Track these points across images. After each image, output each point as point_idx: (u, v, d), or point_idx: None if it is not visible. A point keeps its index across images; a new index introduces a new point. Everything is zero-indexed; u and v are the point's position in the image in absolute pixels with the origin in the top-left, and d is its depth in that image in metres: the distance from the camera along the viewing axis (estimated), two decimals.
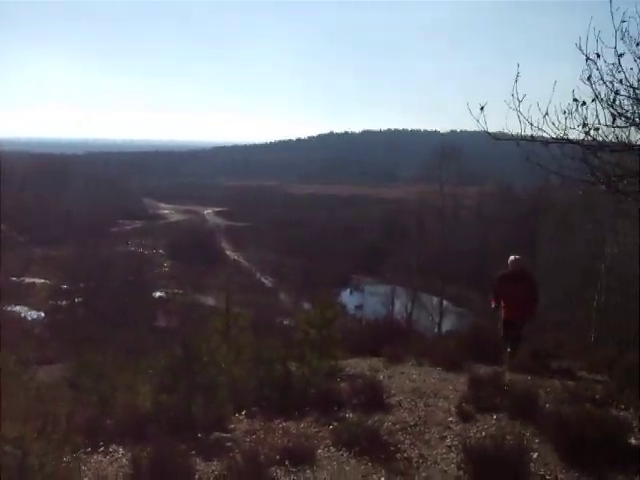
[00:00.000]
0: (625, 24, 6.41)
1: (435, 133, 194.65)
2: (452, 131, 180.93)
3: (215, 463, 7.57)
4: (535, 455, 7.26)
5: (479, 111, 6.92)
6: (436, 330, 33.50)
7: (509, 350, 12.22)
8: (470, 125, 6.96)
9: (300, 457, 7.49)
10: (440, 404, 9.45)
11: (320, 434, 8.51)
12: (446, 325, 35.08)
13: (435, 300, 38.25)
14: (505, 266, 12.74)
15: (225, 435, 8.68)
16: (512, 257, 12.64)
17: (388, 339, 14.15)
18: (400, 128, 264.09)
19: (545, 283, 34.69)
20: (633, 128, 6.87)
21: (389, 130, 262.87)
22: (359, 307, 59.64)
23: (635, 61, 6.62)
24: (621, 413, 8.62)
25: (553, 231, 34.34)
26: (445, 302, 36.84)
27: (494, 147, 7.42)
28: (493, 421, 8.53)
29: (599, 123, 6.75)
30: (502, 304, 12.48)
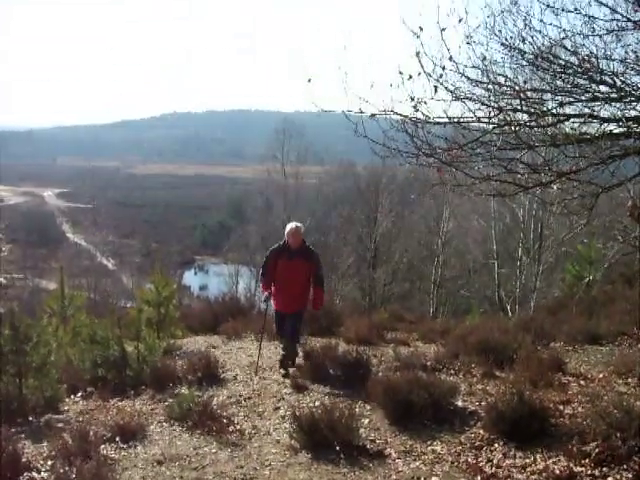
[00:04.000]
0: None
1: (278, 113, 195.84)
2: (296, 111, 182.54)
3: (45, 445, 7.29)
4: (366, 421, 7.43)
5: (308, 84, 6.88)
6: None
7: (283, 352, 9.78)
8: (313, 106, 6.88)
9: (131, 433, 7.39)
10: (275, 377, 9.51)
11: (155, 411, 8.43)
12: None
13: None
14: (281, 238, 9.91)
15: (57, 417, 8.41)
16: (291, 225, 9.73)
17: (229, 317, 14.08)
18: (244, 108, 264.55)
19: (387, 257, 35.92)
20: (458, 102, 7.05)
21: (232, 111, 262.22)
22: (204, 287, 59.51)
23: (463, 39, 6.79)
24: (451, 378, 8.94)
25: (393, 206, 35.38)
26: None
27: (339, 127, 7.42)
28: (327, 390, 8.67)
29: (426, 98, 6.87)
30: (274, 289, 9.83)
